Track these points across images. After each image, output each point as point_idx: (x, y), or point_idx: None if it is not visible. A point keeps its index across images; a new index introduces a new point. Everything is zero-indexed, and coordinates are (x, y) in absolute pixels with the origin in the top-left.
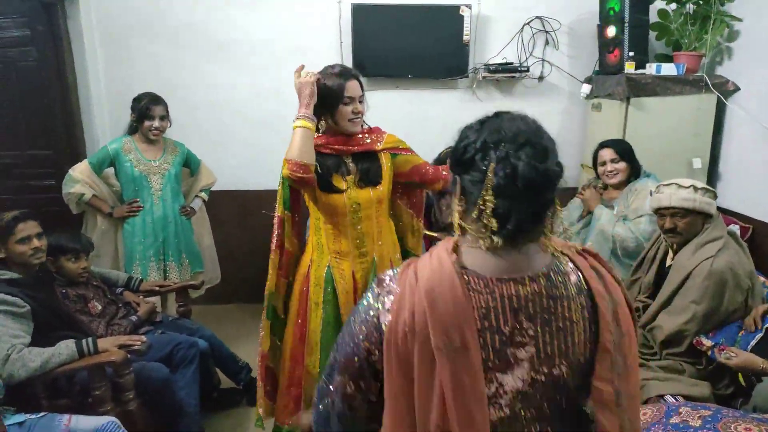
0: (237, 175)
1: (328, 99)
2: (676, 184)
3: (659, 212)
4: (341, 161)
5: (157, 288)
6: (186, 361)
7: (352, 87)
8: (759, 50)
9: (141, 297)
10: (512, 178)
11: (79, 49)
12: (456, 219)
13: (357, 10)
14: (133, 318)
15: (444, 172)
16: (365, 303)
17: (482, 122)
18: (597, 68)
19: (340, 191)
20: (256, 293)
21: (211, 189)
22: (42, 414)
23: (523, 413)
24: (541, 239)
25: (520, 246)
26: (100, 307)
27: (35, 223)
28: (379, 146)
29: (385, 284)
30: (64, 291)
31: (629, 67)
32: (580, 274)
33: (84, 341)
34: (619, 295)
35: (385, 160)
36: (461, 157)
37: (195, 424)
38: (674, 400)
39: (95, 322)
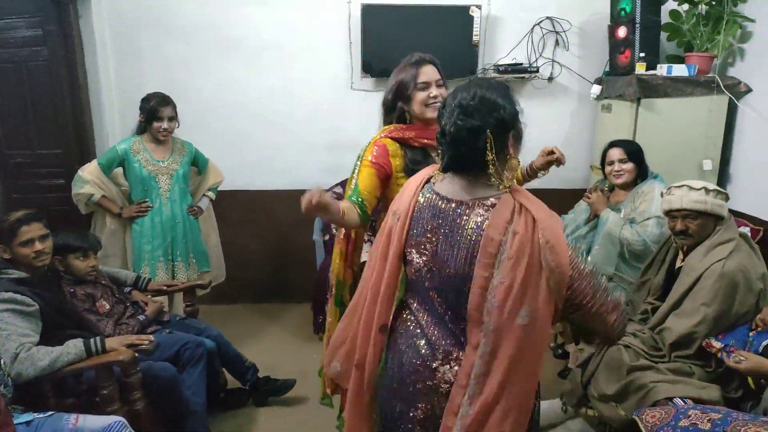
0: (245, 175)
1: (402, 88)
2: (687, 185)
3: (670, 214)
4: (429, 155)
5: (165, 288)
6: (193, 360)
7: (425, 72)
8: None
9: (149, 296)
10: (442, 133)
11: (90, 48)
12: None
13: (366, 9)
14: (141, 317)
15: None
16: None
17: (454, 90)
18: (607, 69)
19: None
20: (263, 293)
21: (219, 188)
22: (49, 413)
23: (422, 282)
24: (493, 180)
25: (463, 179)
26: (108, 307)
27: (40, 225)
28: None
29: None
30: (72, 290)
31: (640, 68)
32: (487, 218)
33: (92, 340)
34: (523, 253)
35: None
36: (438, 113)
37: (201, 423)
38: (683, 403)
39: (103, 321)
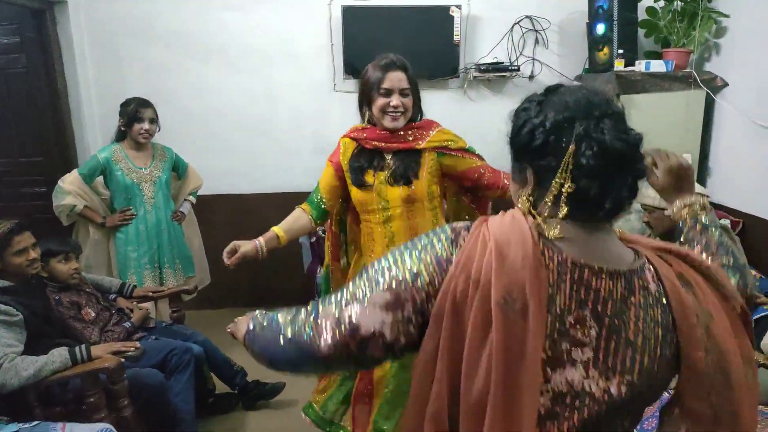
0: (228, 179)
1: (366, 89)
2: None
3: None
4: (380, 156)
5: (151, 294)
6: (180, 366)
7: (391, 78)
8: (746, 46)
9: (134, 303)
10: (601, 154)
11: (68, 55)
12: (525, 208)
13: (347, 11)
14: (127, 324)
15: (506, 180)
16: (435, 244)
17: (540, 102)
18: (587, 66)
19: (368, 186)
20: (250, 297)
21: (203, 193)
22: (35, 423)
23: (560, 413)
24: (613, 227)
25: (599, 232)
26: (93, 314)
27: (29, 233)
28: (421, 144)
29: (460, 232)
30: (57, 297)
31: (619, 65)
32: (660, 282)
33: (77, 348)
34: (713, 301)
35: (428, 158)
36: (529, 143)
37: (191, 429)
38: (668, 393)
39: (89, 328)
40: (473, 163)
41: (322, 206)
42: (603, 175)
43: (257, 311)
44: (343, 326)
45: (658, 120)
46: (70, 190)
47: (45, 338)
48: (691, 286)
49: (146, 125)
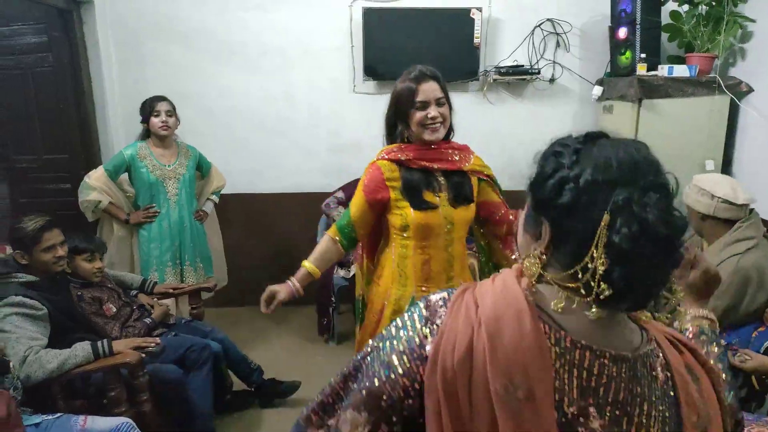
0: (248, 179)
1: (400, 106)
2: (697, 185)
3: (687, 206)
4: (431, 176)
5: (171, 290)
6: (199, 363)
7: (425, 89)
8: None
9: (155, 299)
10: (639, 237)
11: (94, 54)
12: (533, 268)
13: (368, 13)
14: (147, 320)
15: (512, 216)
16: (408, 327)
17: (577, 150)
18: (608, 70)
19: (434, 207)
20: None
21: (223, 192)
22: (58, 415)
23: None
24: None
25: (614, 313)
26: (114, 310)
27: (59, 231)
28: (467, 166)
29: (437, 308)
30: (79, 293)
31: (641, 69)
32: (668, 372)
33: (99, 343)
34: (713, 402)
35: (474, 181)
36: (555, 197)
37: (208, 425)
38: None
39: (110, 324)
40: (494, 197)
41: (353, 235)
42: (635, 261)
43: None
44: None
45: (680, 126)
46: (95, 186)
47: (68, 333)
48: (699, 382)
49: (163, 117)
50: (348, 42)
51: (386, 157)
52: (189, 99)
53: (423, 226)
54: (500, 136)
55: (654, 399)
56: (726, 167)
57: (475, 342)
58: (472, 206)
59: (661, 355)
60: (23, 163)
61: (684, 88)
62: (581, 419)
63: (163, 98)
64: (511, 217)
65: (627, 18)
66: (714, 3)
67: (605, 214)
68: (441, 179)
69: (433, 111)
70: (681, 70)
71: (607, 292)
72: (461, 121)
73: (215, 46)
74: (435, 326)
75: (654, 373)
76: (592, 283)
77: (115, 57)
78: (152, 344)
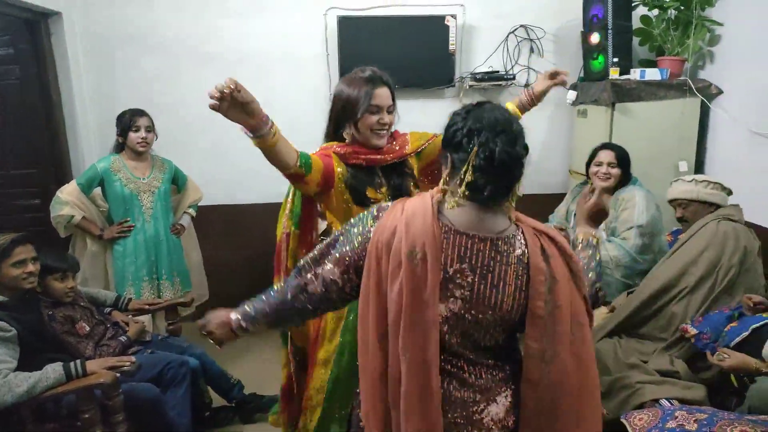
0: (226, 189)
1: (351, 106)
2: (682, 179)
3: (671, 204)
4: (374, 172)
5: (147, 306)
6: (177, 380)
7: (380, 95)
8: (740, 53)
9: (130, 316)
10: (490, 160)
11: (63, 66)
12: (441, 183)
13: (343, 21)
14: (123, 338)
15: None
16: (364, 222)
17: (468, 111)
18: (582, 75)
19: (373, 202)
20: None
21: (200, 204)
22: None
23: (447, 337)
24: (505, 207)
25: (485, 210)
26: (88, 328)
27: (31, 246)
28: (408, 149)
29: (382, 210)
30: (50, 313)
31: (614, 73)
32: (525, 249)
33: (72, 364)
34: (561, 272)
35: (413, 163)
36: (451, 139)
37: None
38: (669, 404)
39: (83, 343)
40: (436, 152)
41: (308, 162)
42: (488, 174)
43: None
44: (318, 275)
45: (653, 128)
46: (68, 201)
47: (39, 354)
48: (548, 256)
49: (142, 133)
50: (324, 50)
51: (336, 150)
52: (164, 108)
53: None
54: None
55: (510, 263)
56: (699, 168)
57: (398, 226)
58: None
59: (521, 238)
60: None
61: (656, 92)
62: (458, 275)
63: (143, 113)
64: None
65: (599, 23)
66: (683, 7)
67: (474, 147)
68: (381, 176)
69: (385, 117)
70: (652, 74)
71: (465, 192)
72: (438, 127)
73: (190, 54)
74: (377, 219)
75: (513, 249)
76: (460, 184)
77: (86, 68)
78: (127, 363)
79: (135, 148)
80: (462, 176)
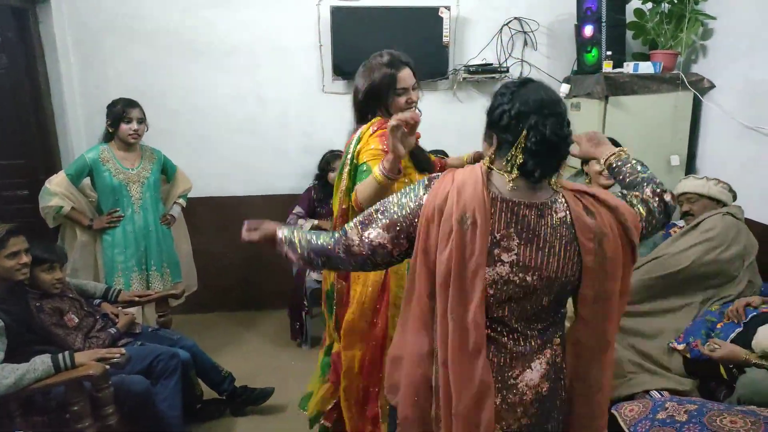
0: (217, 181)
1: (378, 91)
2: (694, 176)
3: (679, 199)
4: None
5: (136, 298)
6: (167, 372)
7: (404, 76)
8: (733, 48)
9: (119, 308)
10: (541, 143)
11: (51, 55)
12: (486, 161)
13: (336, 11)
14: (112, 330)
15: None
16: (416, 190)
17: (513, 91)
18: (575, 68)
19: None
20: (239, 301)
21: (191, 195)
22: None
23: (493, 301)
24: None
25: (518, 181)
26: (76, 320)
27: (24, 238)
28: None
29: (432, 180)
30: (39, 304)
31: (607, 66)
32: (568, 211)
33: (60, 355)
34: (609, 225)
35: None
36: (498, 120)
37: None
38: (660, 396)
39: (72, 335)
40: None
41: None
42: (539, 156)
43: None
44: (365, 239)
45: (646, 121)
46: (56, 192)
47: (27, 346)
48: (593, 214)
49: (134, 125)
50: (316, 41)
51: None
52: (153, 99)
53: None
54: (470, 134)
55: (555, 226)
56: (690, 161)
57: (450, 194)
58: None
59: (564, 201)
60: None
61: (649, 85)
62: (505, 239)
63: (135, 104)
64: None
65: (593, 16)
66: (676, 1)
67: (524, 130)
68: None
69: (414, 96)
70: (645, 67)
71: (515, 174)
72: (431, 119)
73: (180, 45)
74: (429, 188)
75: (556, 212)
76: (510, 169)
77: (75, 57)
78: (117, 355)
79: (126, 139)
80: (511, 158)
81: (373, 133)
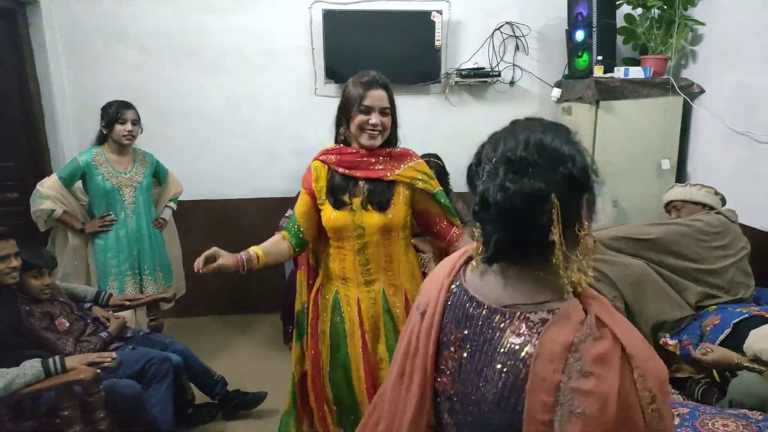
0: (208, 184)
1: (345, 104)
2: (678, 184)
3: (666, 208)
4: (351, 180)
5: (127, 302)
6: (158, 376)
7: (372, 96)
8: (721, 53)
9: (110, 312)
10: (485, 201)
11: (41, 57)
12: (475, 236)
13: (328, 15)
14: (103, 334)
15: (455, 233)
16: None
17: (495, 132)
18: (566, 72)
19: (347, 205)
20: (231, 304)
21: (182, 199)
22: None
23: (442, 412)
24: (550, 270)
25: (497, 267)
26: (67, 324)
27: (14, 242)
28: (389, 176)
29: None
30: (28, 308)
31: (598, 71)
32: (529, 341)
33: (50, 360)
34: (606, 410)
35: (401, 189)
36: (468, 174)
37: None
38: None
39: (63, 339)
40: (433, 208)
41: (300, 235)
42: (486, 222)
43: None
44: None
45: (637, 126)
46: (48, 195)
47: (16, 350)
48: (602, 378)
49: (129, 126)
50: (308, 44)
51: (320, 158)
52: (144, 101)
53: (334, 229)
54: (462, 138)
55: (497, 350)
56: (681, 166)
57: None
58: (392, 212)
59: (540, 318)
60: None
61: (639, 90)
62: (457, 344)
63: (130, 105)
64: (454, 234)
65: (583, 21)
66: (666, 6)
67: (479, 185)
68: (361, 184)
69: (374, 118)
70: (636, 72)
71: (479, 249)
72: (423, 123)
73: (171, 48)
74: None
75: (506, 331)
76: (476, 242)
77: (65, 59)
78: (108, 359)
79: (120, 141)
80: (473, 226)
81: (312, 161)
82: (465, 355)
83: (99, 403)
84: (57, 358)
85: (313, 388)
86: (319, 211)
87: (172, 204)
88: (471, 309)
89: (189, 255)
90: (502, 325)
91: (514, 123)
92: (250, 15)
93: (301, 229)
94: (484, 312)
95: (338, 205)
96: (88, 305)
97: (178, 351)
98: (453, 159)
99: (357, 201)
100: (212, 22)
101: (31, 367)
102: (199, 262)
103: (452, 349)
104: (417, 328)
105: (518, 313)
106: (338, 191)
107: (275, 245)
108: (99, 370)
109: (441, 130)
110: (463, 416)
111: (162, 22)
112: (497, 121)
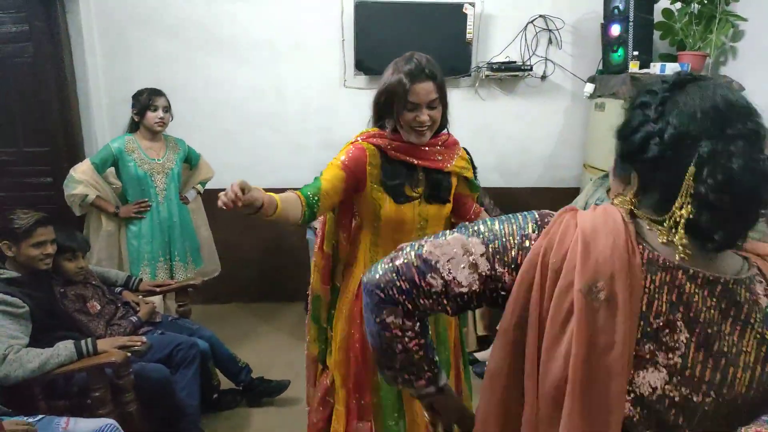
0: (237, 173)
1: (390, 100)
2: None
3: None
4: (413, 170)
5: (156, 288)
6: (186, 361)
7: (418, 90)
8: (764, 50)
9: (140, 297)
10: (724, 187)
11: (77, 45)
12: (627, 201)
13: (359, 6)
14: (133, 318)
15: (476, 209)
16: (520, 219)
17: (663, 101)
18: (600, 67)
19: (411, 199)
20: (257, 293)
21: (209, 187)
22: (40, 417)
23: (640, 422)
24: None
25: (706, 252)
26: (99, 307)
27: (51, 228)
28: (449, 167)
29: (546, 217)
30: (62, 291)
31: (633, 67)
32: None
33: (83, 342)
34: None
35: (454, 180)
36: (640, 151)
37: (195, 425)
38: None
39: (94, 322)
40: (466, 190)
41: (314, 209)
42: (719, 209)
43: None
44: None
45: None
46: (81, 180)
47: (50, 331)
48: None
49: (160, 113)
50: (339, 36)
51: (368, 139)
52: (175, 91)
53: (395, 220)
54: (491, 133)
55: (753, 321)
56: None
57: (571, 248)
58: (448, 205)
59: (764, 280)
60: (3, 156)
61: None
62: (667, 331)
63: (161, 93)
64: (474, 212)
65: (620, 15)
66: (706, 1)
67: (690, 166)
68: (421, 175)
69: (423, 115)
70: (673, 68)
71: (684, 241)
72: (452, 116)
73: (203, 37)
74: (541, 229)
75: (755, 297)
76: (673, 231)
77: (100, 47)
78: (138, 343)
79: (152, 127)
80: (673, 214)
81: (353, 142)
82: (684, 340)
83: (128, 386)
84: (89, 340)
85: (354, 386)
86: (347, 193)
87: (199, 186)
88: (690, 285)
89: (219, 242)
90: (745, 292)
91: (687, 80)
92: (281, 6)
93: (320, 202)
94: (716, 288)
95: (398, 197)
96: (118, 290)
97: (205, 337)
98: (481, 154)
99: (420, 192)
100: (244, 12)
101: (65, 348)
102: (235, 187)
103: (664, 339)
104: (600, 318)
105: (746, 279)
106: (399, 181)
107: (293, 207)
108: (129, 354)
109: (470, 124)
110: (680, 416)
111: (194, 12)
112: (527, 117)
